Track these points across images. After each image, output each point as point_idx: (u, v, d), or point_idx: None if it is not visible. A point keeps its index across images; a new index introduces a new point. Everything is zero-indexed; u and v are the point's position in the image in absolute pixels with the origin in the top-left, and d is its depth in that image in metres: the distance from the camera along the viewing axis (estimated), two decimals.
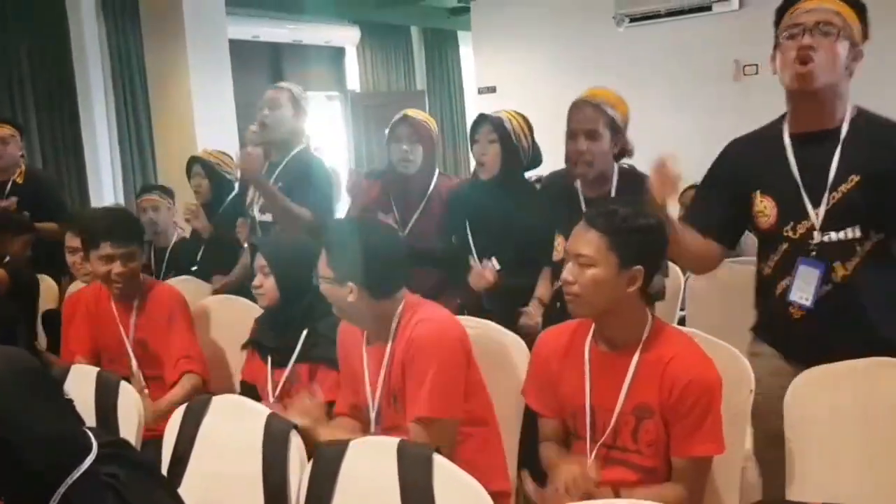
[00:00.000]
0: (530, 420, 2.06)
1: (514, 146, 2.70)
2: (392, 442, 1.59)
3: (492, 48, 7.76)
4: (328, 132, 8.67)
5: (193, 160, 3.94)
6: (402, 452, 1.55)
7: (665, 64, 6.35)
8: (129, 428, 2.08)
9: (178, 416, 1.96)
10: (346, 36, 8.68)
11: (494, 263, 2.70)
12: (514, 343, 2.20)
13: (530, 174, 2.96)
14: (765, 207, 1.96)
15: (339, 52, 8.90)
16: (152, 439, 2.18)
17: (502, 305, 2.61)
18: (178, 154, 4.75)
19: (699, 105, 6.06)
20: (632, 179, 2.40)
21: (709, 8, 5.94)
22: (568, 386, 1.85)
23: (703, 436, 1.69)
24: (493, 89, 7.75)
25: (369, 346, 2.03)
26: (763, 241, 2.01)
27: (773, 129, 1.99)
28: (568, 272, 1.75)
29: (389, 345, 1.96)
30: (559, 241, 2.50)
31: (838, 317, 1.86)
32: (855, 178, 1.84)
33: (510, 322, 2.40)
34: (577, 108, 2.40)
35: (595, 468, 1.69)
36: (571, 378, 1.84)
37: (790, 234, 1.91)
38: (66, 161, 6.07)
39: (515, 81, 7.50)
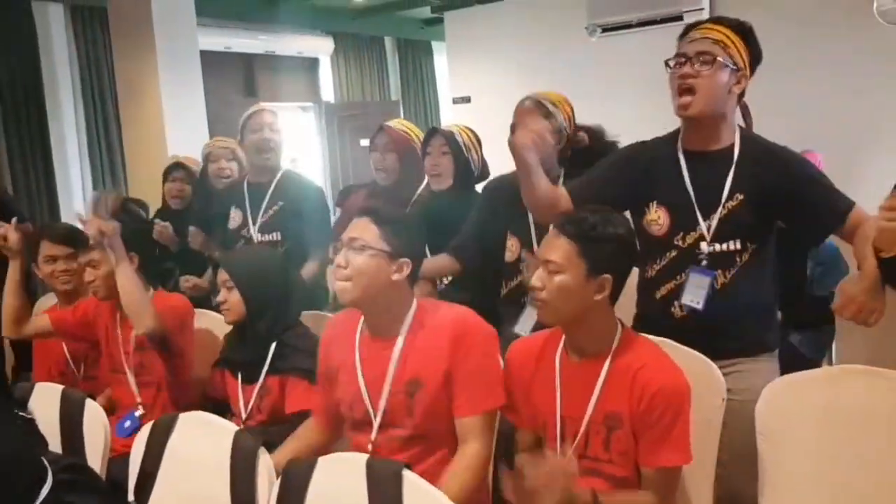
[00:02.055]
0: (504, 432, 2.05)
1: (466, 158, 2.76)
2: (361, 458, 1.56)
3: (466, 58, 7.78)
4: (302, 143, 8.63)
5: (176, 165, 3.88)
6: (371, 469, 1.53)
7: (637, 73, 6.36)
8: (96, 446, 2.05)
9: (144, 433, 1.93)
10: (320, 46, 8.65)
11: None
12: None
13: None
14: (658, 217, 2.10)
15: (312, 63, 8.86)
16: (119, 457, 2.15)
17: None
18: (148, 166, 4.70)
19: (671, 114, 6.11)
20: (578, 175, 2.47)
21: (679, 18, 5.97)
22: (539, 395, 1.85)
23: (671, 445, 1.69)
24: (467, 99, 7.77)
25: (371, 338, 1.94)
26: (650, 247, 2.11)
27: (668, 144, 2.14)
28: (537, 278, 1.75)
29: (402, 336, 1.88)
30: (511, 243, 2.54)
31: (716, 319, 2.01)
32: (740, 197, 2.01)
33: None
34: (519, 105, 2.52)
35: (573, 461, 1.67)
36: (543, 387, 1.84)
37: (679, 243, 2.06)
38: (35, 173, 6.00)
39: (490, 91, 7.52)
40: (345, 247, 1.87)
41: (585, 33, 6.61)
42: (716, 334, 2.00)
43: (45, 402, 2.12)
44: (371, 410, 1.89)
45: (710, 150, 2.06)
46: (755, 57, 2.05)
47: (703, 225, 2.03)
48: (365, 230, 1.87)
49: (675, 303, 2.06)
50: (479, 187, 2.87)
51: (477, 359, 1.85)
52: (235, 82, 8.01)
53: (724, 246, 2.02)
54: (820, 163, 5.46)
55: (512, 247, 2.54)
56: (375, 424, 1.89)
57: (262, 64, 8.25)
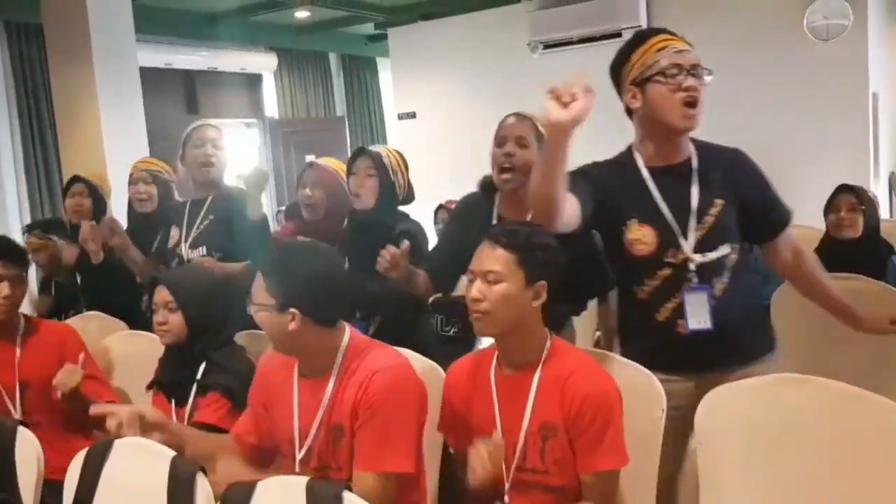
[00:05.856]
0: (449, 454, 2.04)
1: (391, 181, 2.74)
2: (300, 481, 1.54)
3: (410, 74, 7.80)
4: (246, 160, 8.53)
5: (75, 179, 3.82)
6: (312, 491, 1.51)
7: None
8: (28, 474, 1.99)
9: (79, 460, 1.87)
10: (263, 62, 8.58)
11: None
12: (430, 371, 2.17)
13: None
14: (643, 236, 2.02)
15: (255, 79, 8.78)
16: (53, 482, 2.09)
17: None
18: None
19: (612, 128, 6.18)
20: None
21: (618, 35, 6.08)
22: (478, 415, 1.86)
23: (606, 449, 1.73)
24: (412, 115, 7.79)
25: (304, 378, 1.89)
26: (637, 267, 2.05)
27: (627, 160, 2.11)
28: (476, 290, 1.77)
29: (333, 379, 1.83)
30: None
31: (725, 329, 1.98)
32: (720, 203, 2.02)
33: None
34: (507, 118, 2.43)
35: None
36: (481, 406, 1.86)
37: (672, 259, 2.01)
38: None
39: (434, 106, 7.56)
40: None
41: (528, 49, 6.70)
42: (725, 344, 1.99)
43: None
44: (297, 450, 1.86)
45: (673, 164, 2.05)
46: None
47: (682, 240, 2.00)
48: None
49: (679, 321, 2.00)
50: (410, 211, 2.87)
51: (383, 414, 1.75)
52: (177, 99, 7.88)
53: (715, 253, 2.00)
54: None
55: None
56: (297, 464, 1.86)
57: (203, 80, 8.14)
